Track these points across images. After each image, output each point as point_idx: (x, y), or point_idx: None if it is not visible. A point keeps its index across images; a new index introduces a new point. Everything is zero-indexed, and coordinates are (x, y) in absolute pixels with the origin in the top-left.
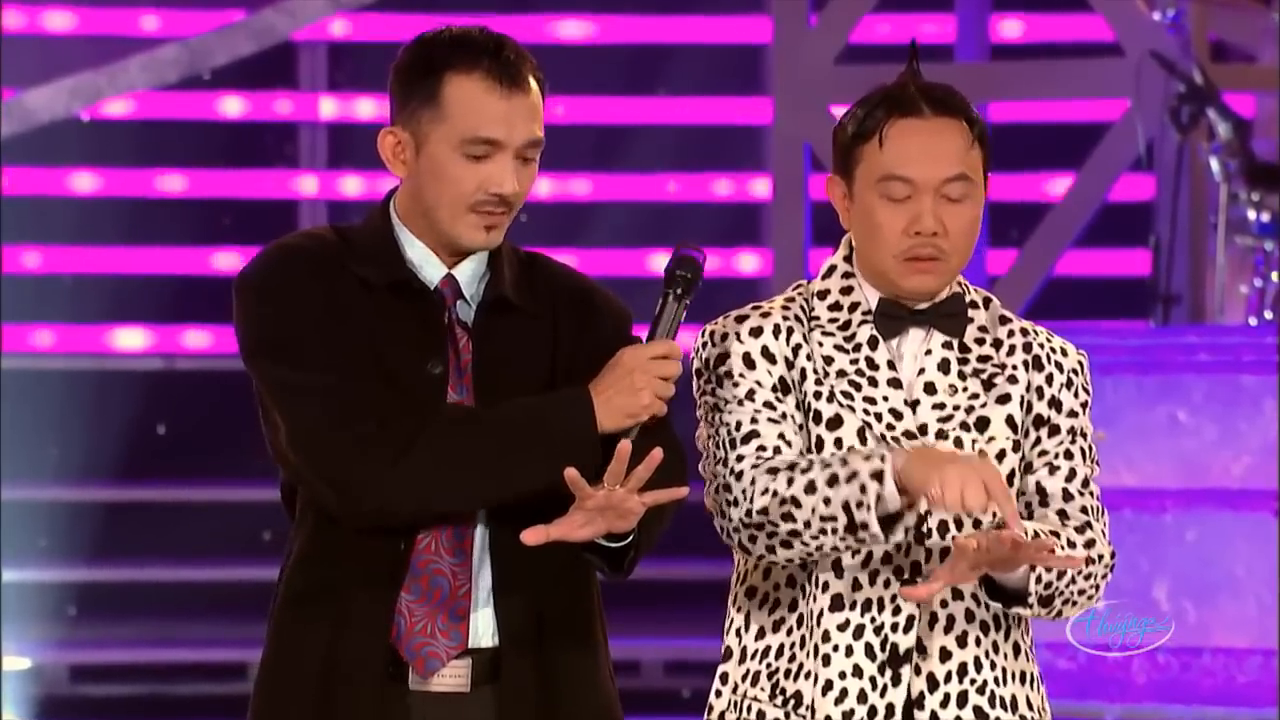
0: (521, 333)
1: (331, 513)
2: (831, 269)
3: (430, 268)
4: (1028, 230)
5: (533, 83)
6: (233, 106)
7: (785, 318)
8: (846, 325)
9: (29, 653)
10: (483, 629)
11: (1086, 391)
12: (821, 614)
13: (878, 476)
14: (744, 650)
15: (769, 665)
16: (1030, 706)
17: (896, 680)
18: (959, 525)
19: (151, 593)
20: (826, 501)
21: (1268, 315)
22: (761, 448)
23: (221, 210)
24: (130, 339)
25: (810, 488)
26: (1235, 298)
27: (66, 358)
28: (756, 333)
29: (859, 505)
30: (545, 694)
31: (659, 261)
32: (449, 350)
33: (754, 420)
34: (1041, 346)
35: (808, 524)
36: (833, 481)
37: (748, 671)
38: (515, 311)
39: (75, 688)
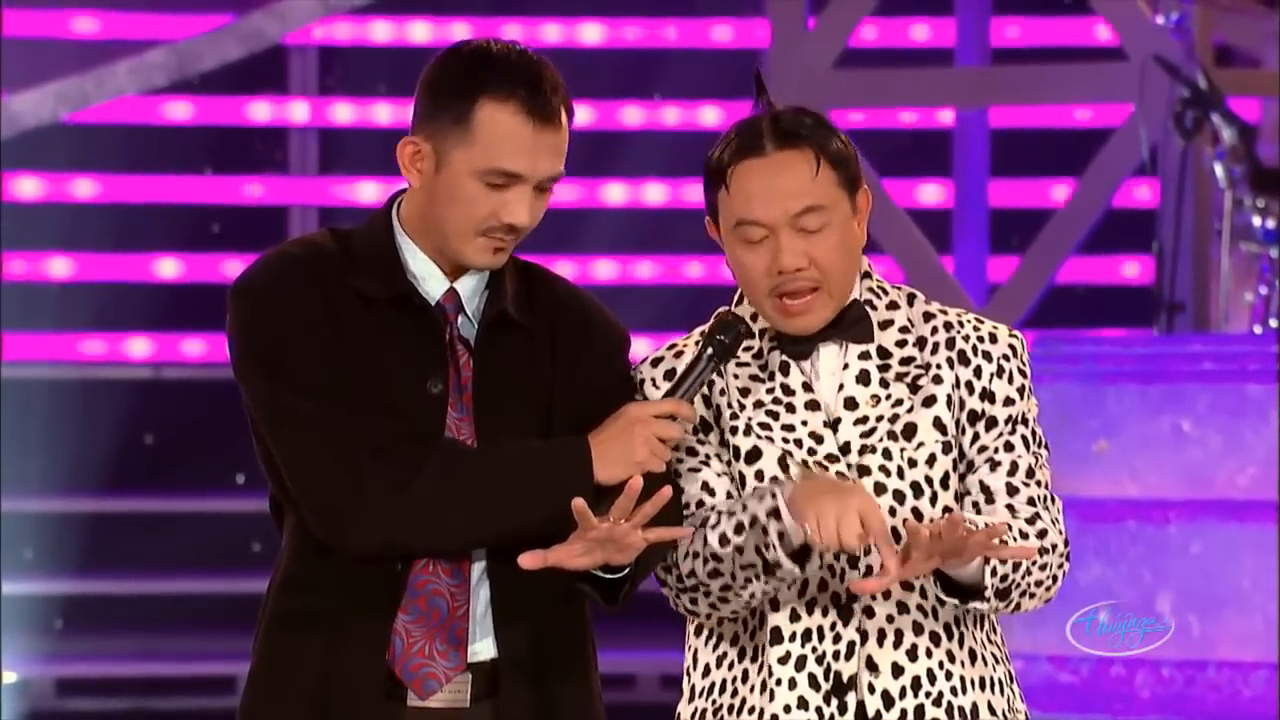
0: (521, 350)
1: (321, 542)
2: (742, 297)
3: (432, 281)
4: (1029, 237)
5: (563, 116)
6: (221, 111)
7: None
8: (760, 354)
9: (15, 666)
10: (481, 645)
11: (1024, 374)
12: (762, 647)
13: (774, 514)
14: (693, 689)
15: (714, 702)
16: (994, 712)
17: (843, 709)
18: (897, 538)
19: (139, 605)
20: (740, 550)
21: (1273, 323)
22: (684, 505)
23: (210, 217)
24: (118, 347)
25: (724, 540)
26: (1240, 305)
27: (52, 366)
28: (671, 375)
29: (767, 547)
30: (542, 711)
31: (652, 269)
32: (449, 368)
33: (677, 474)
34: (966, 339)
35: (733, 575)
36: (739, 529)
37: (696, 710)
38: (515, 328)
39: (62, 701)
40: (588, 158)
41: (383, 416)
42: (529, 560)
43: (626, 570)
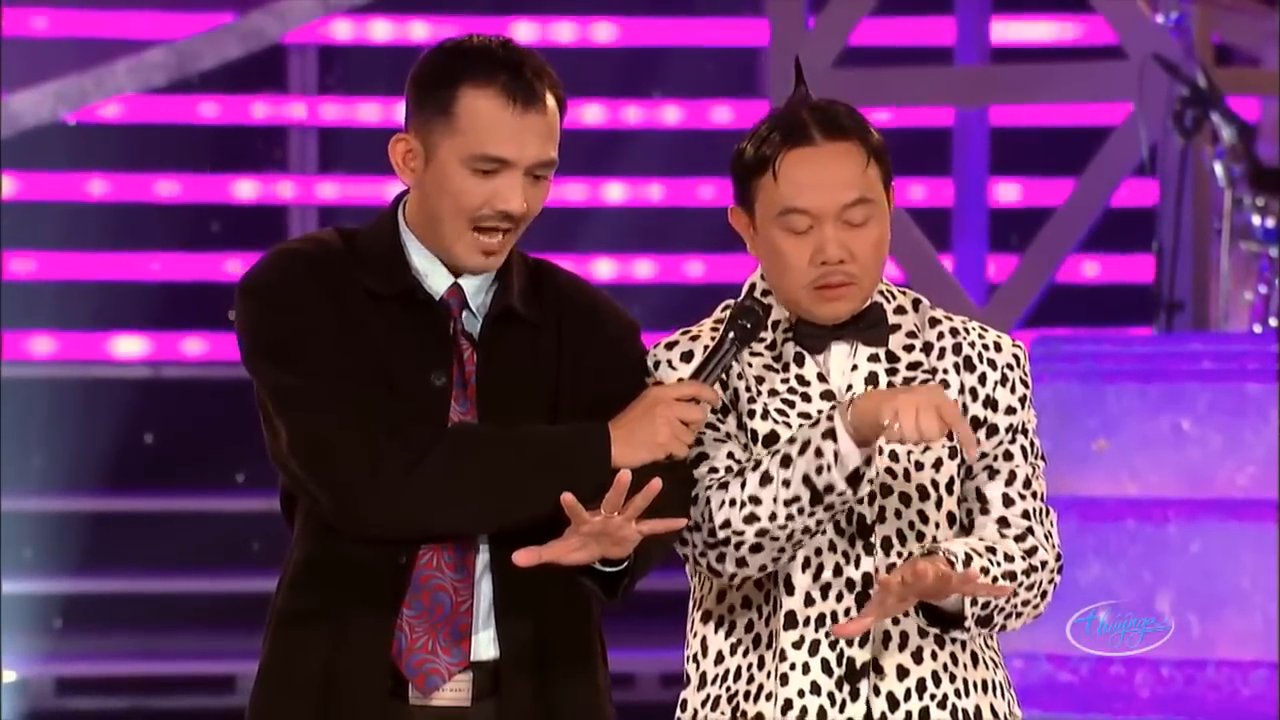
0: (526, 345)
1: (333, 523)
2: (752, 287)
3: (436, 277)
4: (1029, 236)
5: (550, 102)
6: (221, 110)
7: (714, 339)
8: (773, 345)
9: (14, 665)
10: (484, 643)
11: (1025, 384)
12: (776, 633)
13: (830, 435)
14: (702, 675)
15: (728, 689)
16: (995, 715)
17: (855, 695)
18: (902, 540)
19: (139, 604)
20: (786, 484)
21: (1272, 322)
22: (713, 469)
23: (210, 216)
24: (117, 346)
25: (766, 478)
26: (1239, 305)
27: (52, 365)
28: (688, 357)
29: (819, 470)
30: (545, 709)
31: (652, 268)
32: (453, 362)
33: (699, 443)
34: (973, 346)
35: (773, 515)
36: (786, 462)
37: (707, 697)
38: (521, 323)
39: (61, 701)
40: (587, 157)
41: (397, 399)
42: (523, 557)
43: (626, 564)
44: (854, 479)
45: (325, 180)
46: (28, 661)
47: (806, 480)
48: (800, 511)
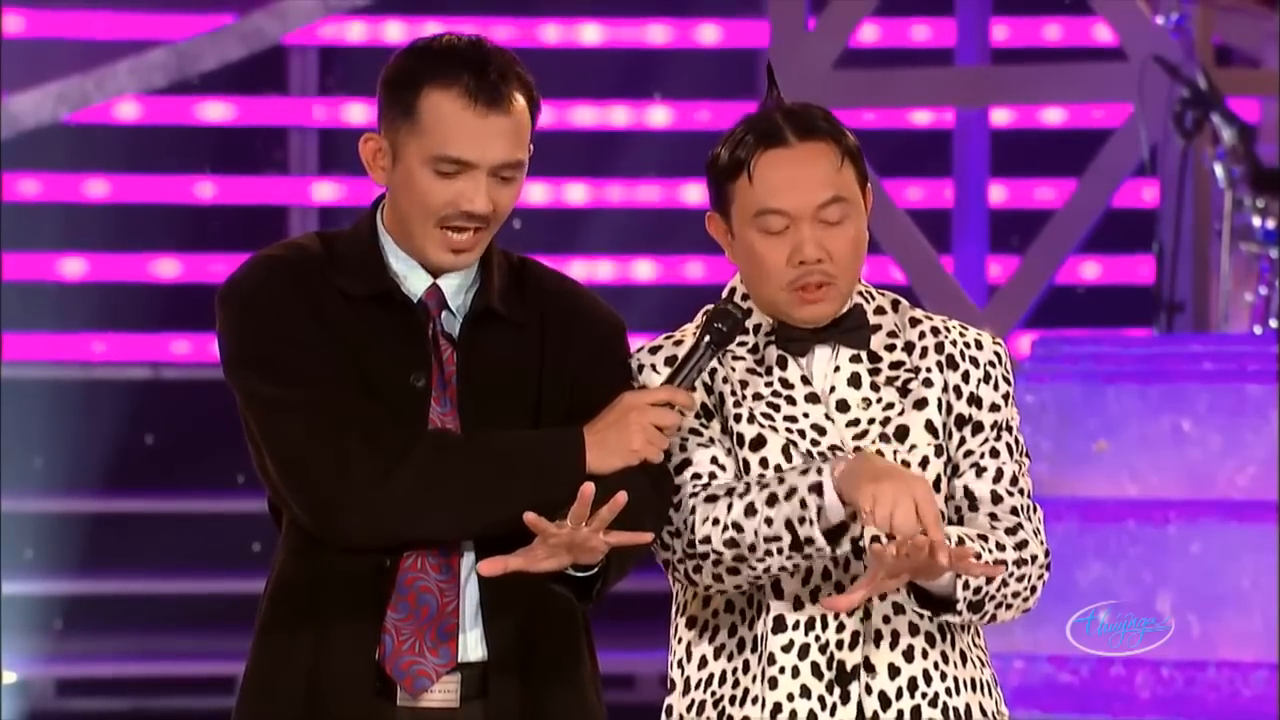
0: (507, 343)
1: (311, 533)
2: (732, 290)
3: (415, 278)
4: (1029, 237)
5: (518, 101)
6: (222, 111)
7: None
8: (755, 349)
9: (15, 666)
10: (472, 644)
11: (1007, 381)
12: (764, 637)
13: (816, 489)
14: (687, 681)
15: (714, 694)
16: (984, 713)
17: (845, 698)
18: (891, 535)
19: (139, 605)
20: (769, 522)
21: (1273, 323)
22: (697, 475)
23: (210, 216)
24: (118, 346)
25: (750, 510)
26: (1240, 306)
27: (52, 366)
28: (671, 361)
29: (801, 521)
30: (533, 710)
31: (651, 269)
32: (432, 363)
33: (684, 448)
34: (954, 344)
35: (752, 547)
36: (772, 501)
37: (692, 702)
38: (501, 322)
39: (62, 702)
40: (586, 158)
41: (369, 404)
42: (488, 567)
43: (597, 567)
44: (835, 533)
45: (325, 181)
46: (28, 662)
47: (789, 525)
48: (779, 551)
